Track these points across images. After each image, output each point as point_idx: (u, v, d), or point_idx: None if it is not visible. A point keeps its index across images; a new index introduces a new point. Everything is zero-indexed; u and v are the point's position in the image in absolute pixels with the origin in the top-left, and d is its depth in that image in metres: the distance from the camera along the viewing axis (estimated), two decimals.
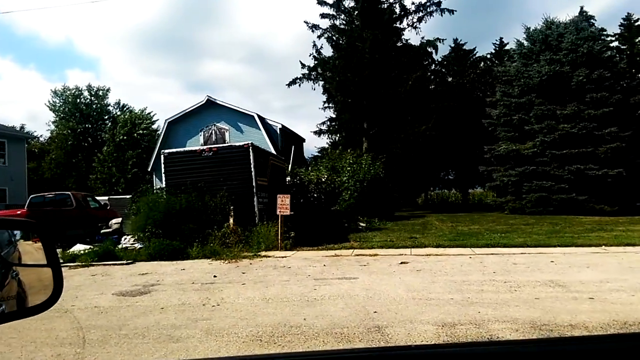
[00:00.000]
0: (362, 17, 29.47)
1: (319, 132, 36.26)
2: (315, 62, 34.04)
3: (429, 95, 28.77)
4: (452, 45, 39.15)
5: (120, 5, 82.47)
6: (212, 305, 6.38)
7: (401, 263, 9.16)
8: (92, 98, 58.93)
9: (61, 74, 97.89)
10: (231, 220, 12.90)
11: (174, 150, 14.35)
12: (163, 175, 13.69)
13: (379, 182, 22.05)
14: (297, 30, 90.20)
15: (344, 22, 32.16)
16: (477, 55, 40.60)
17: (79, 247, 13.23)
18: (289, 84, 32.60)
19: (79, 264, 10.70)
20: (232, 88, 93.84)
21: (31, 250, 1.61)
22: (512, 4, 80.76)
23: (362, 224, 18.27)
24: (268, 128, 28.84)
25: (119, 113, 60.92)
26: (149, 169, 29.85)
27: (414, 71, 28.75)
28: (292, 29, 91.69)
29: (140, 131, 39.86)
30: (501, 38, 43.17)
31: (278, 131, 29.66)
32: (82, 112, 56.55)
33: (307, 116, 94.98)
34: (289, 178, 17.94)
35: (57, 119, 56.68)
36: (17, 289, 1.65)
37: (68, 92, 58.51)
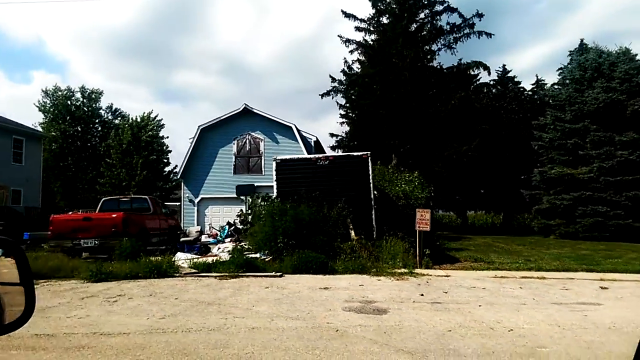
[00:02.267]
0: (403, 36, 29.41)
1: (335, 147, 35.97)
2: (345, 76, 33.97)
3: (471, 115, 28.80)
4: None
5: (93, 7, 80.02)
6: (491, 327, 5.67)
7: (601, 288, 8.64)
8: (85, 100, 56.72)
9: (25, 75, 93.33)
10: (353, 233, 12.12)
11: (287, 157, 13.49)
12: (274, 182, 12.80)
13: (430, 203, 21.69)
14: (277, 45, 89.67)
15: (373, 39, 32.15)
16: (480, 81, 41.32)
17: (180, 256, 12.13)
18: (322, 96, 32.42)
19: (225, 274, 9.66)
20: (205, 99, 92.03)
21: (10, 267, 1.60)
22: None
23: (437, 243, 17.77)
24: (304, 140, 28.12)
25: (110, 117, 58.91)
26: (178, 176, 28.43)
27: (452, 91, 28.82)
28: (271, 43, 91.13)
29: (147, 136, 38.24)
30: (504, 65, 44.12)
31: (312, 143, 28.99)
32: (72, 114, 54.20)
33: None
34: None
35: (46, 120, 53.98)
36: None
37: (59, 92, 56.13)
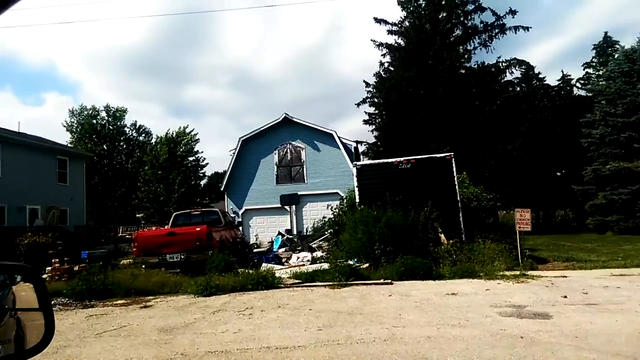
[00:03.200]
0: (440, 37, 29.26)
1: (366, 152, 35.83)
2: (378, 79, 33.93)
3: (513, 114, 28.42)
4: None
5: (104, 28, 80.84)
6: None
7: None
8: (110, 119, 57.44)
9: (37, 97, 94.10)
10: (443, 237, 11.88)
11: (366, 162, 13.36)
12: (356, 188, 12.60)
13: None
14: (283, 55, 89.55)
15: (403, 43, 32.01)
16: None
17: (265, 267, 11.96)
18: (358, 104, 32.38)
19: (331, 283, 9.47)
20: (215, 112, 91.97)
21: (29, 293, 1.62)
22: None
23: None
24: (345, 146, 27.96)
25: (135, 134, 59.50)
26: (222, 188, 28.40)
27: (492, 90, 28.53)
28: (279, 53, 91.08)
29: (182, 150, 38.47)
30: (528, 62, 43.57)
31: (353, 150, 28.83)
32: (98, 133, 54.87)
33: None
34: None
35: (73, 139, 54.59)
36: (15, 331, 1.69)
37: (85, 112, 56.95)
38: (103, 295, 9.34)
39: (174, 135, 38.97)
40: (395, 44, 32.53)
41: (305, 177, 27.57)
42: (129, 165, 55.35)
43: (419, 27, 31.04)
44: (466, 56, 29.91)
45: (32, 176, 24.44)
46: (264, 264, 12.45)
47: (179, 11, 76.72)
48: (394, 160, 13.07)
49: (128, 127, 59.32)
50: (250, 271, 10.37)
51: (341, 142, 27.75)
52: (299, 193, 27.00)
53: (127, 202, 49.03)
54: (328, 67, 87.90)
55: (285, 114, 27.89)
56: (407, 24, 31.77)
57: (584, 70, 38.19)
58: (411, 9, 32.37)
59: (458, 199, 12.32)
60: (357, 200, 12.56)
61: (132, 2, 69.30)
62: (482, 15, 30.65)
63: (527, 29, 29.75)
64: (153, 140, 59.08)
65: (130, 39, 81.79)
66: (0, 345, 1.56)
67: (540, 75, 39.22)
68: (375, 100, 33.94)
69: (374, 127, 36.29)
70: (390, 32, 32.58)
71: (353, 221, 11.54)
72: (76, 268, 12.53)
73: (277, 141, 28.15)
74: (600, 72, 32.27)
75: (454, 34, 30.49)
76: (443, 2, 30.51)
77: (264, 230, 27.32)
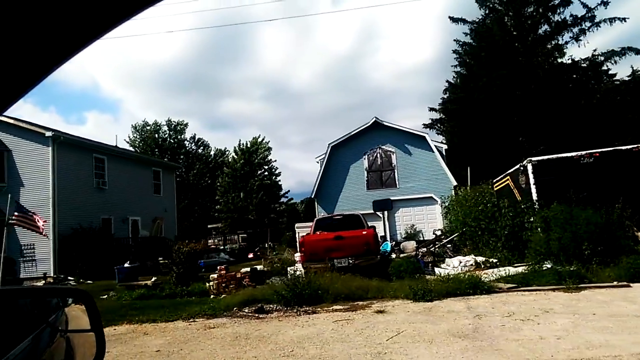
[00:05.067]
0: (530, 34, 28.23)
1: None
2: (456, 77, 33.19)
3: (613, 109, 26.96)
4: None
5: (139, 45, 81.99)
6: None
7: None
8: (171, 132, 58.66)
9: (80, 116, 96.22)
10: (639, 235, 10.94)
11: (544, 157, 12.56)
12: (532, 186, 11.82)
13: None
14: (316, 66, 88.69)
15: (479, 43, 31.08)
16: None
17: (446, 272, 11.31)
18: (432, 109, 31.80)
19: (555, 287, 8.71)
20: (250, 124, 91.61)
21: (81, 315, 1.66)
22: None
23: None
24: (438, 149, 27.17)
25: (194, 147, 60.46)
26: (312, 196, 28.07)
27: (589, 85, 27.21)
28: (311, 64, 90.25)
29: (259, 159, 38.62)
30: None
31: (444, 152, 27.99)
32: (160, 147, 55.98)
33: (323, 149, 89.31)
34: None
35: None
36: (65, 351, 1.78)
37: (147, 127, 58.37)
38: (311, 301, 8.90)
39: (247, 145, 39.15)
40: (475, 44, 31.72)
41: (396, 182, 26.97)
42: (190, 177, 56.13)
43: (501, 24, 30.10)
44: (558, 52, 28.68)
45: (132, 188, 24.82)
46: (436, 269, 11.82)
47: (214, 26, 78.02)
48: (574, 154, 12.22)
49: (188, 141, 60.39)
50: (441, 275, 9.73)
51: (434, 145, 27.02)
52: (391, 198, 26.31)
53: (190, 213, 49.59)
54: (362, 76, 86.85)
55: (376, 117, 27.41)
56: (489, 21, 30.82)
57: None
58: (491, 5, 31.48)
59: None
60: (535, 197, 11.77)
61: (166, 20, 70.77)
62: (570, 8, 29.47)
63: (623, 19, 28.28)
64: (212, 152, 60.19)
65: (165, 55, 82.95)
66: None
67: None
68: (448, 104, 33.14)
69: (435, 130, 35.88)
70: (471, 30, 31.76)
71: (542, 221, 10.75)
72: (238, 275, 12.25)
73: (367, 146, 27.66)
74: None
75: (541, 29, 29.35)
76: None
77: None
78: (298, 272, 13.97)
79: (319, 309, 8.52)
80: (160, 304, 10.42)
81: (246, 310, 8.84)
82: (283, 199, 41.61)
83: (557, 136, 27.79)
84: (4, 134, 20.22)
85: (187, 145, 60.29)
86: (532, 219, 11.51)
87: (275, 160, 38.64)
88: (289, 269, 14.61)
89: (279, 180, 40.63)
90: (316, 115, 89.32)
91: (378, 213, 26.45)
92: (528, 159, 12.09)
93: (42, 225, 14.24)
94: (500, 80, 26.89)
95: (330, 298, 8.99)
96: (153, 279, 12.92)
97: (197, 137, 59.39)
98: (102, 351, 1.53)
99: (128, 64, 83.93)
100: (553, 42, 28.80)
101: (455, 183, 25.25)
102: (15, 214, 14.67)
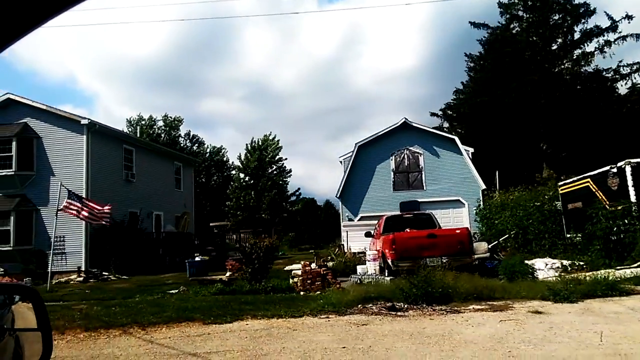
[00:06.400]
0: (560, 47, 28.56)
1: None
2: (468, 82, 33.38)
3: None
4: None
5: (117, 39, 79.21)
6: None
7: None
8: (166, 128, 57.36)
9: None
10: None
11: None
12: (631, 189, 11.68)
13: None
14: (299, 68, 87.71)
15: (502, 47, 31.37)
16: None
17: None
18: (439, 112, 31.85)
19: None
20: (228, 124, 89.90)
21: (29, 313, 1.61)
22: None
23: None
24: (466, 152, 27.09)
25: (189, 144, 59.18)
26: (337, 196, 27.57)
27: (614, 95, 27.69)
28: (294, 66, 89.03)
29: (270, 157, 37.99)
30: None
31: (471, 155, 27.96)
32: (155, 142, 54.64)
33: (304, 153, 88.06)
34: None
35: None
36: (14, 350, 1.71)
37: (142, 121, 56.90)
38: (442, 300, 8.48)
39: (259, 143, 38.45)
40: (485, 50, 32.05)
41: (423, 184, 26.75)
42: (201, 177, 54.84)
43: (527, 31, 30.42)
44: (584, 60, 29.10)
45: (157, 182, 23.97)
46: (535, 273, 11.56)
47: (197, 25, 76.04)
48: None
49: (182, 137, 59.06)
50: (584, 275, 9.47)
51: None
52: (418, 200, 26.11)
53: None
54: (342, 80, 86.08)
55: (405, 118, 27.16)
56: (516, 26, 31.10)
57: None
58: (514, 13, 31.77)
59: None
60: (633, 200, 11.64)
61: (149, 12, 69.02)
62: (595, 19, 29.95)
63: None
64: (207, 149, 58.91)
65: (145, 50, 79.92)
66: None
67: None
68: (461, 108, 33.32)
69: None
70: (491, 34, 32.01)
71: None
72: (322, 272, 11.73)
73: (394, 147, 27.37)
74: None
75: (567, 39, 29.75)
76: (555, 6, 29.83)
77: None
78: (369, 272, 13.62)
79: (456, 308, 8.11)
80: (259, 299, 9.85)
81: (375, 308, 8.35)
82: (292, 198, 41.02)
83: (580, 144, 28.18)
84: (34, 120, 19.16)
85: (181, 142, 58.89)
86: (633, 222, 11.34)
87: (286, 159, 37.98)
88: (357, 267, 14.22)
89: (288, 182, 40.09)
90: (293, 116, 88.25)
91: None
92: (626, 160, 11.97)
93: (108, 210, 13.40)
94: (530, 85, 27.07)
95: (460, 297, 8.59)
96: (228, 273, 12.27)
97: (192, 134, 58.13)
98: (49, 350, 1.49)
99: (106, 56, 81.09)
100: (580, 50, 29.18)
101: (484, 187, 25.21)
102: (68, 201, 13.81)
